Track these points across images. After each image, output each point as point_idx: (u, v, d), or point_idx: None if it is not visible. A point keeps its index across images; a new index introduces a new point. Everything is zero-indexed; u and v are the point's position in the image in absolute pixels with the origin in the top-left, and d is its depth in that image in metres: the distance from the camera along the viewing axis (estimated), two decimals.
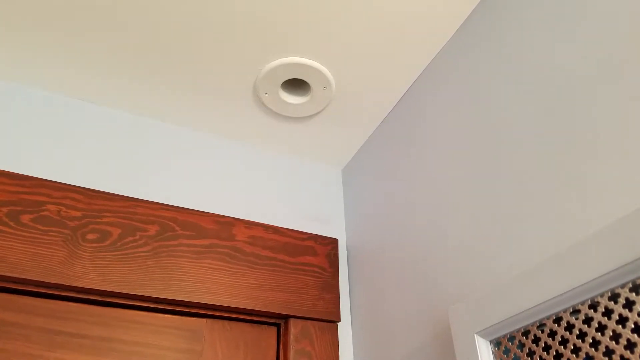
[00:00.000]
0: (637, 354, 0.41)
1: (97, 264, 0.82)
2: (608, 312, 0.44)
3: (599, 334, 0.45)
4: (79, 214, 0.85)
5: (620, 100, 0.54)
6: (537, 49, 0.68)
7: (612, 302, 0.44)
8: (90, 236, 0.83)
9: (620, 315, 0.43)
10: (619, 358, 0.42)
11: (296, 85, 1.01)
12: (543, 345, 0.50)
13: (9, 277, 0.76)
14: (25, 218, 0.80)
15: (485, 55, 0.79)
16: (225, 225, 0.96)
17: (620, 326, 0.43)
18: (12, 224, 0.79)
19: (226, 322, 0.91)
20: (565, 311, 0.48)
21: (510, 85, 0.72)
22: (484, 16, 0.82)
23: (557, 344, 0.48)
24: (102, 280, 0.81)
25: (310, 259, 1.01)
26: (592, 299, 0.46)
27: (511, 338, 0.54)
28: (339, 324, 0.98)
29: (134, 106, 1.03)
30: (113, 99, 1.02)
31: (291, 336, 0.91)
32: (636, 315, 0.42)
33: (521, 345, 0.52)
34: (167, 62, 0.94)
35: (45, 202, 0.83)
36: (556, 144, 0.61)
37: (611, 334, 0.43)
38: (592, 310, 0.46)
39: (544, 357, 0.49)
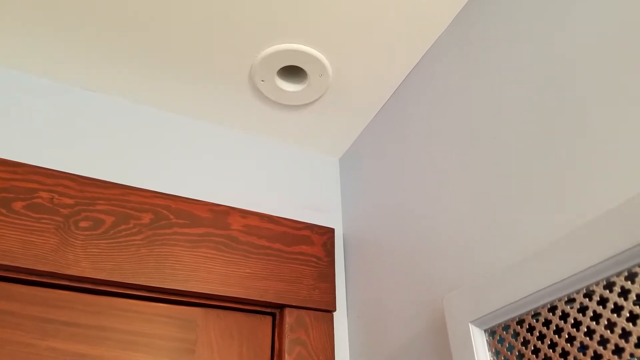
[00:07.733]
0: (632, 343, 0.40)
1: (90, 252, 0.81)
2: (603, 301, 0.43)
3: (594, 322, 0.44)
4: (71, 201, 0.84)
5: (619, 90, 0.53)
6: (536, 37, 0.67)
7: (608, 291, 0.43)
8: (83, 224, 0.83)
9: (615, 304, 0.42)
10: (613, 347, 0.41)
11: (293, 72, 1.00)
12: (538, 334, 0.49)
13: (0, 264, 0.75)
14: (17, 205, 0.79)
15: (483, 44, 0.78)
16: (221, 214, 0.96)
17: (615, 315, 0.42)
18: (3, 211, 0.78)
19: (221, 312, 0.90)
20: (560, 300, 0.48)
21: (507, 74, 0.71)
22: (481, 4, 0.80)
23: (552, 333, 0.48)
24: (95, 268, 0.80)
25: (306, 249, 1.00)
26: (587, 288, 0.45)
27: (506, 327, 0.53)
28: (334, 313, 0.97)
29: (128, 93, 1.02)
30: (106, 86, 1.00)
31: (286, 325, 0.90)
32: (631, 304, 0.41)
33: (516, 335, 0.52)
34: (162, 48, 0.93)
35: (38, 189, 0.82)
36: (552, 134, 0.60)
37: (606, 322, 0.43)
38: (587, 299, 0.45)
39: (538, 346, 0.49)
